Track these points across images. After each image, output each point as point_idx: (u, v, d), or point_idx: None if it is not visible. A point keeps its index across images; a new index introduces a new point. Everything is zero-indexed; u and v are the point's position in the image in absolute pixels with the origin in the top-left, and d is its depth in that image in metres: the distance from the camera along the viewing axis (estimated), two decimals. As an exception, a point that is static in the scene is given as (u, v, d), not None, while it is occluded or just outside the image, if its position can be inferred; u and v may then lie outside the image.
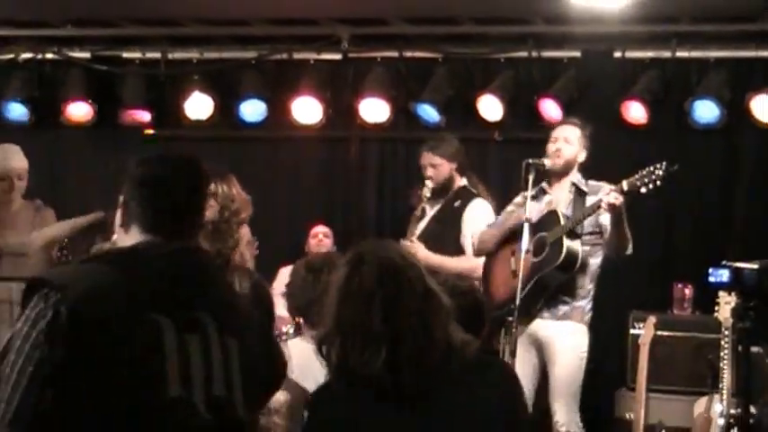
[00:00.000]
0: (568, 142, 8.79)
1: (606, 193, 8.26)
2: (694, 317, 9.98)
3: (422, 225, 9.51)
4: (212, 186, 9.14)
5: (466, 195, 9.41)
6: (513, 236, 8.75)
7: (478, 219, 9.24)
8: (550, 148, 8.79)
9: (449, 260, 9.08)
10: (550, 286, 8.61)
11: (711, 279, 8.47)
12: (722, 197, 11.28)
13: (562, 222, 8.52)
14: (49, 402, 3.67)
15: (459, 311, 5.55)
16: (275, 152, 12.51)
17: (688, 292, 10.24)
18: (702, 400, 8.51)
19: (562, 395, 8.61)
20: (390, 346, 4.17)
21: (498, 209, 9.45)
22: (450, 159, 9.48)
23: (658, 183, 8.33)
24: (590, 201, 8.55)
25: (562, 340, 8.65)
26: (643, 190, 8.35)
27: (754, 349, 8.77)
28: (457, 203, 9.35)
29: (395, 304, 4.23)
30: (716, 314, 8.47)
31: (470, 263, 9.01)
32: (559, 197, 8.71)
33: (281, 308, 10.45)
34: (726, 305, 8.36)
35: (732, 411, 8.01)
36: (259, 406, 4.17)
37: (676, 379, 9.50)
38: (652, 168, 8.33)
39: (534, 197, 8.63)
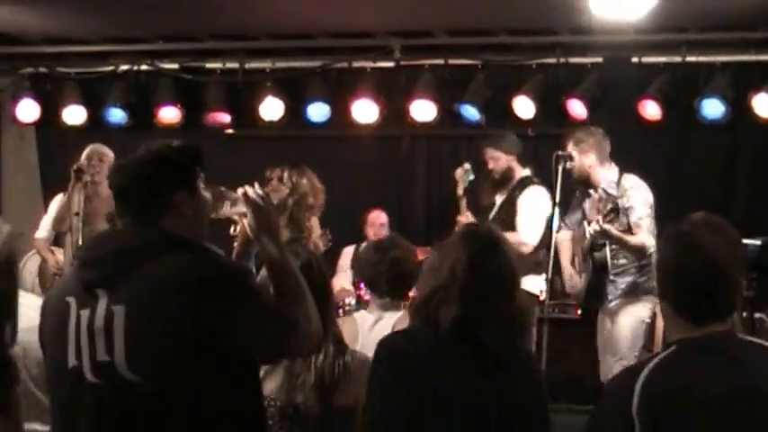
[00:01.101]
0: (569, 159, 8.79)
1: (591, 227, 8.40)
2: (702, 288, 9.93)
3: (492, 213, 9.47)
4: (279, 172, 9.18)
5: (526, 183, 9.36)
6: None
7: (531, 202, 9.20)
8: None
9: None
10: (599, 284, 8.69)
11: (719, 254, 8.44)
12: (727, 182, 11.30)
13: (587, 236, 8.63)
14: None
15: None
16: (337, 148, 12.50)
17: (698, 265, 10.20)
18: (709, 363, 8.47)
19: (614, 351, 8.74)
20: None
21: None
22: (507, 152, 9.44)
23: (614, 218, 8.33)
24: (621, 202, 8.46)
25: (623, 310, 8.75)
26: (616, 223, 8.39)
27: (757, 315, 8.73)
28: (518, 191, 9.32)
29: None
30: (722, 286, 8.42)
31: (514, 239, 8.94)
32: (593, 202, 8.70)
33: (345, 281, 10.51)
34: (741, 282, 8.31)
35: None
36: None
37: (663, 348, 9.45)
38: (609, 209, 8.28)
39: (588, 194, 8.82)
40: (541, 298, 8.89)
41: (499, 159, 9.45)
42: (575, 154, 8.76)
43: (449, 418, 4.13)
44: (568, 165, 8.74)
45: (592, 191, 8.75)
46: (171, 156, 4.02)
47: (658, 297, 3.77)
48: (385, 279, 6.06)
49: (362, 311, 6.52)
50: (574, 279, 9.15)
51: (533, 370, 4.40)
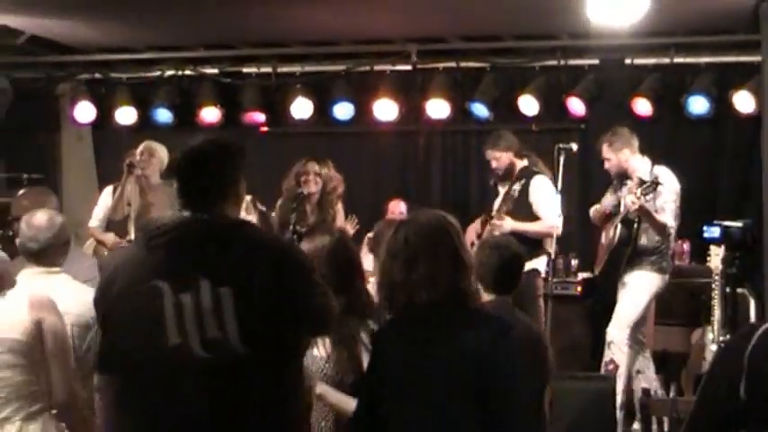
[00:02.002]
0: (608, 160, 8.85)
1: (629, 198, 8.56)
2: (691, 266, 9.95)
3: (497, 203, 9.45)
4: (317, 167, 9.19)
5: (528, 174, 9.33)
6: (606, 218, 9.10)
7: (542, 190, 9.21)
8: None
9: (531, 225, 9.05)
10: (621, 257, 8.74)
11: (705, 235, 8.46)
12: (711, 170, 11.30)
13: (620, 212, 8.77)
14: (108, 352, 3.92)
15: (500, 260, 5.64)
16: (361, 144, 12.53)
17: (686, 246, 10.20)
18: (698, 331, 8.48)
19: (617, 315, 8.76)
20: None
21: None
22: (507, 150, 9.42)
23: (654, 190, 8.50)
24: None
25: (631, 280, 8.78)
26: (648, 197, 8.49)
27: (740, 290, 8.71)
28: (522, 181, 9.30)
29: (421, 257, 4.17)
30: (708, 263, 8.40)
31: (545, 225, 8.97)
32: (631, 187, 8.71)
33: (368, 264, 10.47)
34: (716, 256, 8.32)
35: (721, 339, 7.94)
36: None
37: (678, 315, 9.43)
38: (648, 183, 8.48)
39: (618, 189, 8.94)
40: (543, 276, 8.90)
41: (501, 158, 9.44)
42: (610, 156, 8.97)
43: (401, 387, 4.14)
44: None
45: (629, 181, 8.76)
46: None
47: None
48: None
49: None
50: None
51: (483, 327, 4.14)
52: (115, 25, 11.04)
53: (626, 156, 8.83)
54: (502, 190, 9.51)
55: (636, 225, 8.68)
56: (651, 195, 8.40)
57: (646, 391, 8.53)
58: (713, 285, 8.30)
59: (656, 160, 9.09)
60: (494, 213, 9.34)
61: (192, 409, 3.75)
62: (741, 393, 3.46)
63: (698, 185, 11.05)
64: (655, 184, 8.33)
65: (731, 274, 8.28)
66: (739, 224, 8.35)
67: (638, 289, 8.71)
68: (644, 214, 8.46)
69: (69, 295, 5.48)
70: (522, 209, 9.08)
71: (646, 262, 8.74)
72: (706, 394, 3.69)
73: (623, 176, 8.88)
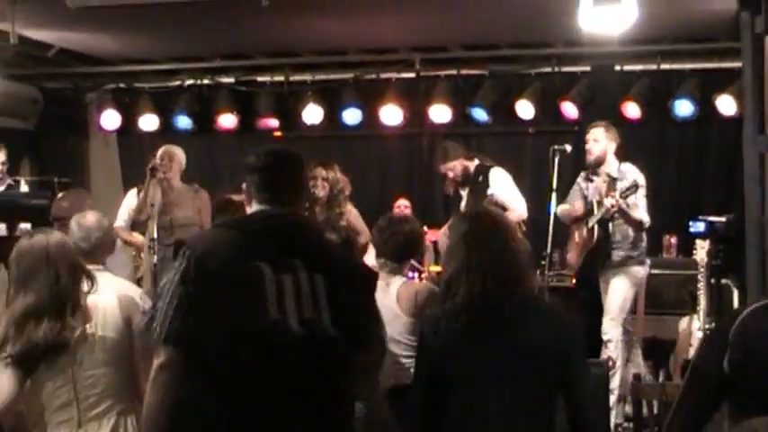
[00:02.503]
0: (596, 141, 8.79)
1: (607, 201, 8.47)
2: (678, 259, 9.97)
3: (462, 206, 9.47)
4: (324, 173, 9.21)
5: (483, 170, 9.36)
6: (577, 219, 9.03)
7: (501, 182, 9.23)
8: (586, 147, 8.82)
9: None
10: (600, 255, 8.72)
11: (691, 230, 8.49)
12: (696, 169, 11.34)
13: (595, 212, 8.66)
14: (191, 327, 3.78)
15: None
16: (368, 146, 12.57)
17: (673, 240, 10.24)
18: (685, 319, 8.49)
19: (608, 313, 8.69)
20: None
21: (529, 179, 9.56)
22: (456, 158, 9.44)
23: (633, 193, 8.48)
24: (619, 185, 8.55)
25: (616, 276, 8.72)
26: (628, 200, 8.49)
27: (724, 281, 8.75)
28: (480, 179, 9.32)
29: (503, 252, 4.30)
30: (694, 256, 8.43)
31: (515, 215, 8.90)
32: (598, 185, 8.71)
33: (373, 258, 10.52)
34: (702, 249, 8.33)
35: (706, 326, 7.97)
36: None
37: (666, 304, 9.46)
38: (629, 185, 8.45)
39: (590, 180, 8.75)
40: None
41: (455, 167, 9.45)
42: (602, 139, 8.85)
43: (474, 373, 4.20)
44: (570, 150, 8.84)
45: (595, 177, 8.75)
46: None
47: None
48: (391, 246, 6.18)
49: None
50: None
51: (550, 320, 4.31)
52: (138, 38, 11.07)
53: (612, 148, 8.82)
54: (464, 193, 9.55)
55: (610, 222, 8.67)
56: (631, 195, 8.42)
57: (636, 376, 8.56)
58: (699, 276, 8.31)
59: (644, 161, 9.12)
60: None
61: (285, 379, 3.82)
62: (725, 366, 3.65)
63: (684, 183, 11.14)
64: (635, 187, 8.35)
65: (716, 266, 8.29)
66: (723, 219, 8.37)
67: (625, 286, 8.67)
68: (622, 214, 8.48)
69: (115, 289, 5.53)
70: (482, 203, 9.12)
71: (625, 259, 8.70)
72: (696, 368, 3.85)
73: (597, 165, 8.83)
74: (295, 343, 3.80)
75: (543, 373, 4.15)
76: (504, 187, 9.19)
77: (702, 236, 8.40)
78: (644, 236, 8.79)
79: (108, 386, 4.88)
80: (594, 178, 8.83)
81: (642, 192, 8.57)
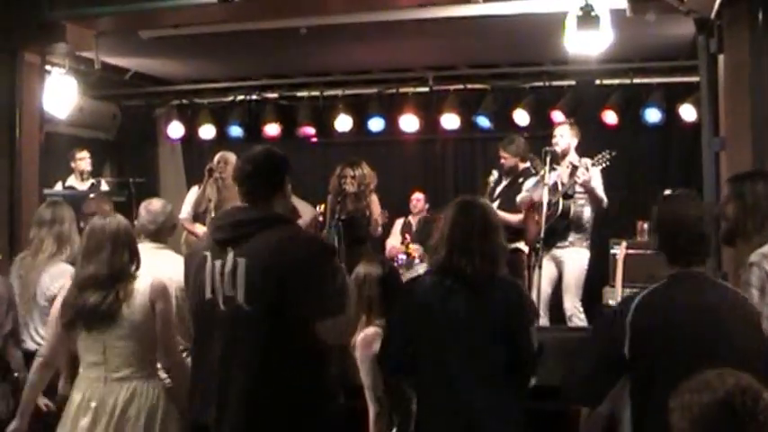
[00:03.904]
0: (562, 136, 8.76)
1: (580, 171, 8.29)
2: (648, 241, 9.93)
3: (498, 190, 9.46)
4: (351, 171, 9.25)
5: (526, 175, 9.36)
6: (532, 206, 8.78)
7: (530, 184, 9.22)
8: (553, 141, 8.80)
9: (512, 217, 8.90)
10: (559, 228, 8.60)
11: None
12: (662, 164, 11.29)
13: (559, 189, 8.54)
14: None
15: None
16: (390, 150, 12.47)
17: (646, 225, 10.21)
18: (654, 291, 8.46)
19: (569, 291, 8.64)
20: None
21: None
22: (515, 155, 9.42)
23: (607, 162, 8.41)
24: (582, 173, 8.48)
25: (570, 258, 8.65)
26: (598, 167, 8.42)
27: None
28: (521, 180, 9.32)
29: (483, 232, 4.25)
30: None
31: (518, 218, 8.99)
32: (562, 172, 8.66)
33: (396, 242, 10.59)
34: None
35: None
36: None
37: (640, 279, 9.44)
38: (603, 154, 8.40)
39: (553, 169, 8.63)
40: (526, 253, 8.89)
41: (508, 159, 9.41)
42: (566, 134, 8.75)
43: (441, 332, 4.19)
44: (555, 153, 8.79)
45: (557, 166, 8.69)
46: (281, 155, 4.25)
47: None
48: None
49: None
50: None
51: (509, 292, 4.27)
52: (198, 62, 11.17)
53: (574, 143, 8.76)
54: (504, 181, 9.56)
55: (571, 202, 8.56)
56: (602, 165, 8.40)
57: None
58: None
59: (620, 160, 9.12)
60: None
61: (216, 347, 3.96)
62: (625, 352, 3.61)
63: (653, 177, 11.12)
64: (609, 154, 8.36)
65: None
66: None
67: (579, 265, 8.56)
68: (587, 185, 8.30)
69: (173, 266, 5.50)
70: (512, 203, 9.14)
71: (578, 239, 8.58)
72: (595, 351, 3.82)
73: (562, 156, 8.73)
74: (221, 317, 3.94)
75: (499, 330, 4.15)
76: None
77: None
78: (591, 225, 8.75)
79: (130, 356, 4.82)
80: (557, 167, 8.77)
81: (600, 180, 8.48)
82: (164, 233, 5.80)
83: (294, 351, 3.91)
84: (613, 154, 8.51)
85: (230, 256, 3.93)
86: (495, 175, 9.55)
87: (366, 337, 4.85)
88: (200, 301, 4.01)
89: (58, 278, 5.91)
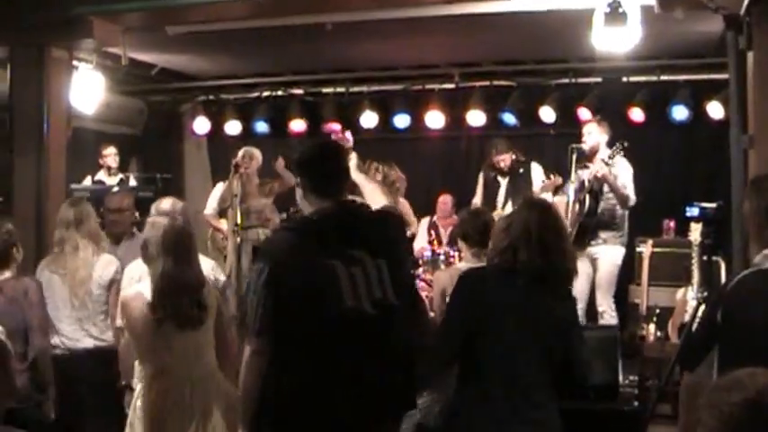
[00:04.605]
0: (590, 134, 8.75)
1: (598, 164, 8.36)
2: (676, 239, 9.91)
3: (502, 191, 9.54)
4: (377, 165, 9.25)
5: (523, 164, 9.44)
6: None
7: (540, 172, 9.27)
8: (582, 138, 8.80)
9: None
10: (590, 226, 8.57)
11: (687, 214, 8.48)
12: (690, 164, 11.24)
13: (586, 187, 8.52)
14: (276, 322, 3.88)
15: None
16: (416, 147, 12.51)
17: (671, 224, 10.20)
18: (681, 290, 8.46)
19: (601, 288, 8.62)
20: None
21: (550, 173, 9.60)
22: (507, 152, 9.54)
23: (620, 152, 8.45)
24: (613, 170, 8.46)
25: (603, 255, 8.64)
26: (616, 160, 8.45)
27: (714, 258, 8.73)
28: (522, 171, 9.38)
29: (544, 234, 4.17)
30: (689, 236, 8.42)
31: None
32: (593, 170, 8.64)
33: (423, 242, 10.57)
34: (695, 230, 8.31)
35: (699, 295, 7.97)
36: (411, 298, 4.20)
37: (665, 277, 9.44)
38: (616, 146, 8.41)
39: (585, 167, 8.61)
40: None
41: (506, 159, 9.66)
42: (594, 132, 8.79)
43: (503, 326, 4.09)
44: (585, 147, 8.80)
45: (590, 165, 8.70)
46: (342, 147, 4.37)
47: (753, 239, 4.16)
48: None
49: (462, 263, 6.46)
50: None
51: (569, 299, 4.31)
52: (224, 58, 11.21)
53: (604, 139, 8.75)
54: (503, 181, 9.58)
55: (599, 198, 8.58)
56: (611, 167, 8.38)
57: (641, 337, 8.62)
58: (693, 254, 8.29)
59: (647, 157, 9.13)
60: (501, 207, 9.49)
61: (363, 353, 3.90)
62: (718, 319, 4.01)
63: (680, 175, 11.09)
64: (620, 149, 8.34)
65: (707, 245, 8.28)
66: (713, 205, 8.35)
67: (612, 262, 8.61)
68: (607, 179, 8.34)
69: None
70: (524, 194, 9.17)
71: (610, 236, 8.62)
72: (700, 319, 4.28)
73: (591, 154, 8.77)
74: (371, 321, 3.90)
75: (558, 331, 4.13)
76: (541, 178, 9.48)
77: (696, 219, 8.38)
78: (626, 222, 8.72)
79: (205, 350, 4.95)
80: (590, 165, 8.78)
81: (629, 177, 8.49)
82: None
83: (407, 335, 4.08)
84: (626, 145, 8.50)
85: (368, 259, 3.92)
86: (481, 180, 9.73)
87: None
88: (334, 310, 3.87)
89: (107, 266, 6.30)
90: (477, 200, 9.79)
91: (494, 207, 9.49)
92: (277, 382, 3.93)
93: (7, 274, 5.67)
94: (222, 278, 5.98)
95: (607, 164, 8.34)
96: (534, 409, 4.05)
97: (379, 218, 4.20)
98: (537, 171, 9.52)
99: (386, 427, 4.05)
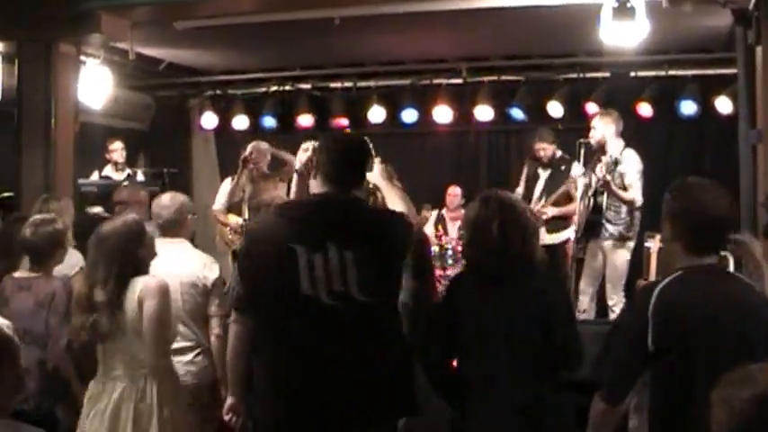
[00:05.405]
0: (595, 128, 8.67)
1: (598, 171, 8.26)
2: (684, 234, 9.85)
3: (540, 184, 9.50)
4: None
5: (566, 162, 9.39)
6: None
7: (579, 172, 9.25)
8: (590, 134, 8.76)
9: (560, 209, 9.24)
10: (596, 221, 8.56)
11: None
12: (697, 159, 11.17)
13: (593, 184, 8.49)
14: (247, 295, 4.14)
15: None
16: (424, 142, 12.52)
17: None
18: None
19: (611, 283, 8.61)
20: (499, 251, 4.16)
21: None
22: (553, 143, 9.46)
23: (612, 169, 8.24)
24: (620, 167, 8.35)
25: (612, 250, 8.59)
26: (624, 155, 8.34)
27: (723, 253, 8.67)
28: (563, 168, 9.34)
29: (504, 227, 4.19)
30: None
31: (571, 207, 9.09)
32: (598, 175, 8.61)
33: (429, 233, 10.56)
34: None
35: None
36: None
37: (673, 272, 9.38)
38: (610, 160, 8.24)
39: (599, 161, 8.57)
40: (570, 243, 8.93)
41: (547, 149, 9.49)
42: (599, 126, 8.62)
43: (477, 329, 4.16)
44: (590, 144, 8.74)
45: (604, 157, 8.65)
46: (366, 144, 4.23)
47: (667, 238, 3.77)
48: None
49: None
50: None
51: (545, 285, 4.25)
52: (232, 53, 11.21)
53: (610, 131, 8.60)
54: (543, 174, 9.55)
55: (603, 197, 8.47)
56: (614, 172, 8.25)
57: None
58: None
59: (655, 151, 9.08)
60: (536, 200, 9.45)
61: (321, 342, 3.86)
62: (649, 344, 3.48)
63: (688, 170, 10.99)
64: (614, 163, 8.25)
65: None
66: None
67: (620, 257, 8.53)
68: (607, 188, 8.25)
69: (182, 260, 5.60)
70: (558, 188, 9.21)
71: (618, 231, 8.52)
72: (619, 344, 3.77)
73: (600, 149, 8.71)
74: (327, 312, 3.83)
75: (538, 321, 4.11)
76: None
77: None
78: (636, 219, 8.69)
79: (122, 354, 4.79)
80: (602, 158, 8.70)
81: (636, 175, 8.35)
82: (173, 226, 5.72)
83: (396, 337, 4.00)
84: (617, 158, 8.37)
85: (333, 249, 3.83)
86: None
87: None
88: (291, 296, 3.86)
89: None
90: (520, 190, 9.68)
91: (529, 200, 9.38)
92: (254, 358, 4.14)
93: (39, 272, 5.54)
94: (213, 276, 5.71)
95: (615, 163, 8.26)
96: (524, 404, 4.08)
97: (374, 215, 4.14)
98: (576, 170, 9.40)
99: (362, 429, 3.93)
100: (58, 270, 5.78)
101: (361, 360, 3.85)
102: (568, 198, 9.31)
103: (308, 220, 3.94)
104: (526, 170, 9.92)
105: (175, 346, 5.25)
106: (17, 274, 5.59)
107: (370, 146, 4.25)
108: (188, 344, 5.60)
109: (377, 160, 4.59)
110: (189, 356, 5.60)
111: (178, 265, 5.52)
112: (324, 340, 3.85)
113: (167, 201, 5.75)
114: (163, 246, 5.46)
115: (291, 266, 3.82)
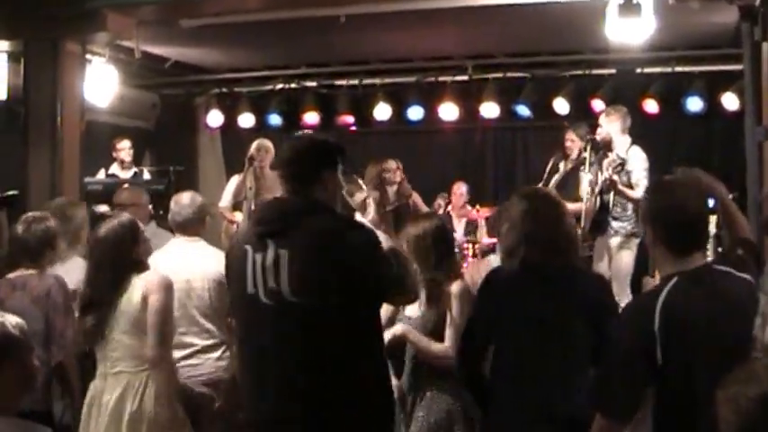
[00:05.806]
0: (600, 126, 8.65)
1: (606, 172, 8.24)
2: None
3: (556, 177, 9.45)
4: (395, 163, 9.19)
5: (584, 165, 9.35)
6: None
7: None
8: (597, 131, 8.73)
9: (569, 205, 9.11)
10: (602, 219, 8.54)
11: (704, 204, 8.39)
12: (704, 155, 11.11)
13: (599, 182, 8.48)
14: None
15: None
16: (430, 139, 12.56)
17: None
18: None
19: (616, 279, 8.60)
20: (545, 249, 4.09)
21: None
22: (581, 138, 9.38)
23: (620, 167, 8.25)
24: (627, 165, 8.34)
25: (618, 246, 8.59)
26: (630, 153, 8.37)
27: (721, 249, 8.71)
28: (582, 168, 9.27)
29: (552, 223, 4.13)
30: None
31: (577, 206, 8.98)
32: (608, 163, 8.59)
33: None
34: (710, 222, 8.24)
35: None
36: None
37: (664, 278, 9.33)
38: (616, 161, 8.24)
39: (606, 156, 8.54)
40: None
41: (575, 143, 9.40)
42: (603, 123, 8.63)
43: (518, 325, 4.08)
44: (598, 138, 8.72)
45: (610, 153, 8.63)
46: (323, 144, 4.14)
47: (649, 243, 3.59)
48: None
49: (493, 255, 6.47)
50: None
51: (590, 283, 4.21)
52: (238, 51, 11.21)
53: (615, 128, 8.58)
54: (562, 168, 9.52)
55: (609, 195, 8.51)
56: (620, 171, 8.23)
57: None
58: (708, 245, 8.26)
59: (661, 148, 9.06)
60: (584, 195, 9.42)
61: (263, 342, 3.86)
62: (658, 359, 3.29)
63: (695, 163, 11.02)
64: (620, 164, 8.24)
65: (717, 235, 8.28)
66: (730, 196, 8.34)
67: (626, 254, 8.51)
68: (614, 187, 8.26)
69: (206, 258, 5.64)
70: (569, 191, 9.09)
71: (623, 230, 8.53)
72: (621, 357, 3.46)
73: (606, 147, 8.70)
74: (264, 311, 3.82)
75: (581, 323, 4.01)
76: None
77: (711, 211, 8.35)
78: (632, 212, 8.67)
79: (125, 350, 4.88)
80: (609, 154, 8.68)
81: (642, 173, 8.33)
82: (193, 225, 5.78)
83: (344, 340, 3.82)
84: (620, 157, 8.37)
85: (271, 248, 3.81)
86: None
87: None
88: (241, 295, 3.92)
89: None
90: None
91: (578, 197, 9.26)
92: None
93: (32, 270, 5.52)
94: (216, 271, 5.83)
95: (622, 165, 8.24)
96: (561, 405, 3.99)
97: (327, 220, 3.94)
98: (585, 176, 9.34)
99: None
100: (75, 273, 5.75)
101: (294, 359, 3.82)
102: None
103: (258, 221, 4.02)
104: (552, 161, 9.89)
105: (205, 343, 5.49)
106: (10, 275, 5.57)
107: (338, 148, 4.15)
108: (216, 341, 5.72)
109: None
110: (218, 353, 5.72)
111: (203, 263, 5.61)
112: (266, 338, 3.87)
113: (187, 200, 5.81)
114: (182, 244, 5.54)
115: (243, 267, 3.89)
